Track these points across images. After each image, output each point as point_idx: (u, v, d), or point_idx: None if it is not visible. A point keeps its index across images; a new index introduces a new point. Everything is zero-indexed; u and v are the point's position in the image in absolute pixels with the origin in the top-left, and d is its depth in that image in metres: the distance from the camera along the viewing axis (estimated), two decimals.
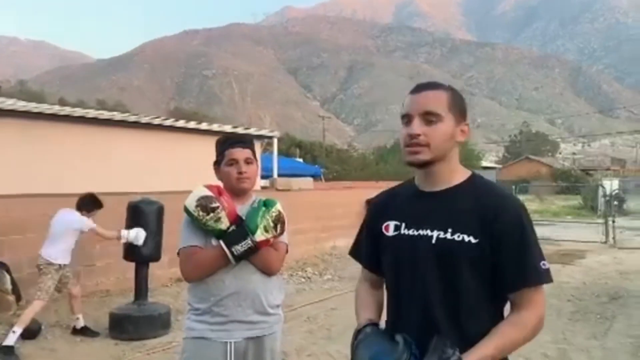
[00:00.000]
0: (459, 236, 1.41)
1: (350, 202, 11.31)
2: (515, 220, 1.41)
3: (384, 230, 1.56)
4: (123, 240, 5.08)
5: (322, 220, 10.38)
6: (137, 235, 5.08)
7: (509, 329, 1.39)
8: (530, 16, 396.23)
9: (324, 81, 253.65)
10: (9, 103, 8.67)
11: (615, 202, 17.10)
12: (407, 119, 1.47)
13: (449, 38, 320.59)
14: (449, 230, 1.42)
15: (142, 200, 5.39)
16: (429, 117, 1.44)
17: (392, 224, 1.54)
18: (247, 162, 2.14)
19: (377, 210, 1.63)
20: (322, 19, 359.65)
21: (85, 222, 5.01)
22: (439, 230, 1.44)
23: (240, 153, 2.13)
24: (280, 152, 17.41)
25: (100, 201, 5.16)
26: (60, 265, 4.89)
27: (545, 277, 1.41)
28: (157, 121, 11.00)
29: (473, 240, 1.40)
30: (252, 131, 13.22)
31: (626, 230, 14.91)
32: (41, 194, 6.52)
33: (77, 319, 5.18)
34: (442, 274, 1.42)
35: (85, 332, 5.17)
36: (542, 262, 1.41)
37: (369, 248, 1.64)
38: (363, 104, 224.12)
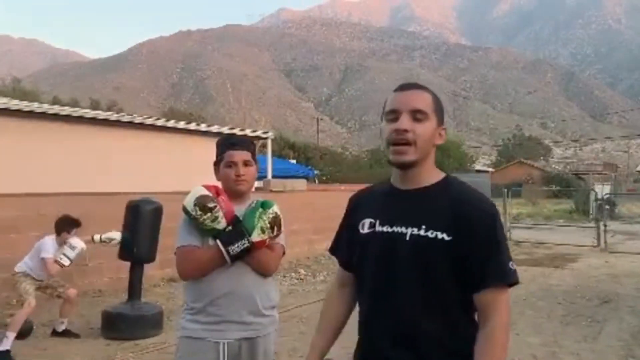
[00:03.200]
0: (432, 233, 1.42)
1: (343, 203, 11.21)
2: (486, 220, 1.42)
3: (359, 228, 1.56)
4: (66, 264, 4.87)
5: (315, 222, 10.39)
6: (75, 251, 4.89)
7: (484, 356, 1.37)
8: (524, 21, 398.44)
9: (318, 83, 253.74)
10: (3, 102, 8.65)
11: (607, 206, 17.21)
12: (393, 115, 1.47)
13: (443, 42, 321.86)
14: (423, 226, 1.43)
15: (141, 200, 5.38)
16: (417, 115, 1.45)
17: (367, 222, 1.54)
18: (246, 164, 2.14)
19: (354, 207, 1.65)
20: (317, 21, 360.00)
21: (47, 249, 4.86)
22: (412, 227, 1.44)
23: (238, 155, 2.14)
24: (274, 154, 17.41)
25: (77, 220, 5.03)
26: (26, 271, 4.85)
27: (512, 276, 1.41)
28: (151, 122, 10.99)
29: (446, 238, 1.40)
30: (247, 132, 13.23)
31: (617, 234, 15.01)
32: (35, 193, 6.49)
33: (62, 322, 5.10)
34: (417, 271, 1.42)
35: (65, 334, 5.09)
36: (511, 262, 1.42)
37: (346, 245, 1.64)
38: (357, 107, 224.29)
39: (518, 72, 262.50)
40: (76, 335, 5.10)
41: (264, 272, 2.12)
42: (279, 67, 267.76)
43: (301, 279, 8.42)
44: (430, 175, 1.51)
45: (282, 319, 5.69)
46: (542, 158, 79.13)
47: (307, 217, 10.15)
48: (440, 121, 1.51)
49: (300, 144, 44.29)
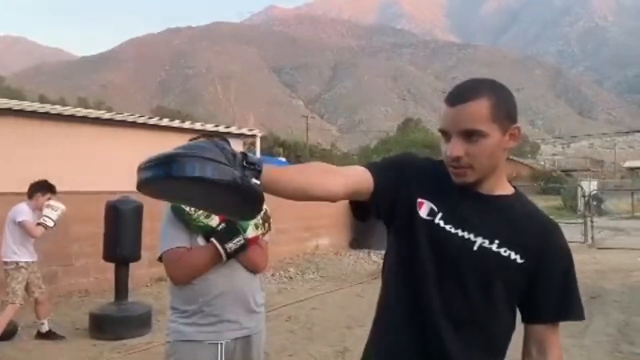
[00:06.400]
0: (505, 251, 1.25)
1: (333, 202, 11.30)
2: (565, 248, 1.33)
3: (417, 206, 1.29)
4: (50, 224, 4.73)
5: (305, 220, 10.36)
6: (57, 212, 4.77)
7: None
8: (512, 19, 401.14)
9: (307, 81, 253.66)
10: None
11: (594, 203, 17.37)
12: (444, 134, 1.27)
13: (432, 39, 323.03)
14: (496, 241, 1.25)
15: (120, 199, 5.33)
16: (470, 135, 1.22)
17: (426, 205, 1.28)
18: None
19: (415, 172, 1.33)
20: (307, 19, 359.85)
21: (22, 212, 4.73)
22: (484, 237, 1.26)
23: None
24: (263, 151, 17.37)
25: (53, 186, 4.91)
26: (19, 263, 4.68)
27: (584, 313, 1.34)
28: (139, 120, 10.91)
29: (519, 260, 1.26)
30: (235, 130, 13.17)
31: (605, 230, 15.16)
32: (24, 192, 6.39)
33: (42, 323, 5.01)
34: (475, 286, 1.25)
35: (50, 336, 5.00)
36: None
37: (388, 190, 1.29)
38: (347, 104, 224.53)
39: (506, 69, 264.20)
40: (61, 337, 5.03)
41: (255, 269, 2.13)
42: (268, 64, 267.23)
43: (290, 278, 8.40)
44: (502, 184, 1.33)
45: (270, 317, 5.68)
46: (530, 155, 79.63)
47: (296, 216, 10.12)
48: (508, 125, 1.25)
49: (290, 141, 44.20)
